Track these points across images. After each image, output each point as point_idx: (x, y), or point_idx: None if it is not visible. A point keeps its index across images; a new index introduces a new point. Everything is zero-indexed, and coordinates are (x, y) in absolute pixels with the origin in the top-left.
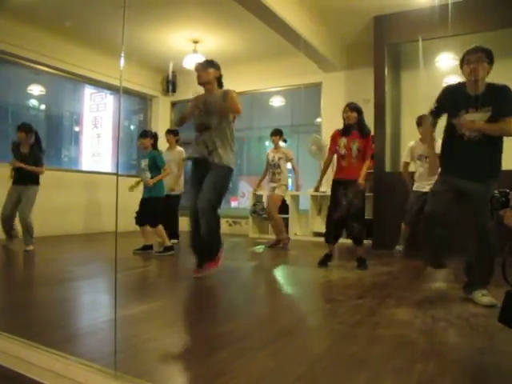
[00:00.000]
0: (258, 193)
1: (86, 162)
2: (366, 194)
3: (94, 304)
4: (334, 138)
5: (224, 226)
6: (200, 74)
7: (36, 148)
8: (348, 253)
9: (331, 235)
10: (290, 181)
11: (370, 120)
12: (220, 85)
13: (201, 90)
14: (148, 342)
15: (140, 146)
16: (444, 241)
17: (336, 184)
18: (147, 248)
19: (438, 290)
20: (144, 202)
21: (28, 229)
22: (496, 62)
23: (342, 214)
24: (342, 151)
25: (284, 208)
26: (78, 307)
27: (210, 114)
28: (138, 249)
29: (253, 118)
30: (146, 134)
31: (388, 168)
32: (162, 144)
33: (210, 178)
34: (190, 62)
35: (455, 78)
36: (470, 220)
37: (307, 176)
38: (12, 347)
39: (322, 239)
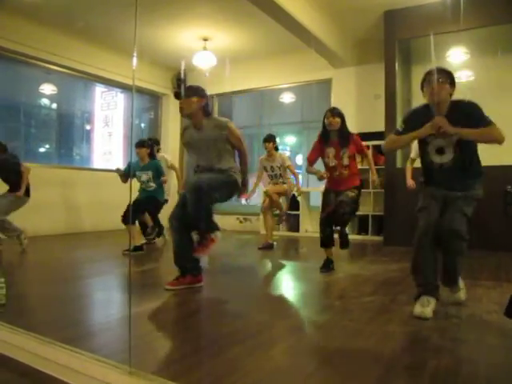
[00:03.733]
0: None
1: (97, 160)
2: (377, 190)
3: (107, 301)
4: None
5: (235, 223)
6: (181, 106)
7: None
8: (360, 250)
9: (324, 238)
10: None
11: (380, 116)
12: (206, 113)
13: None
14: (161, 339)
15: (137, 156)
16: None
17: (328, 190)
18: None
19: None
20: (139, 202)
21: (4, 227)
22: (506, 56)
23: (331, 208)
24: (332, 163)
25: (295, 204)
26: (91, 304)
27: (206, 150)
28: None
29: (263, 115)
30: (142, 144)
31: (399, 164)
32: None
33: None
34: (200, 60)
35: (467, 73)
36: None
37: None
38: (29, 343)
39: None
